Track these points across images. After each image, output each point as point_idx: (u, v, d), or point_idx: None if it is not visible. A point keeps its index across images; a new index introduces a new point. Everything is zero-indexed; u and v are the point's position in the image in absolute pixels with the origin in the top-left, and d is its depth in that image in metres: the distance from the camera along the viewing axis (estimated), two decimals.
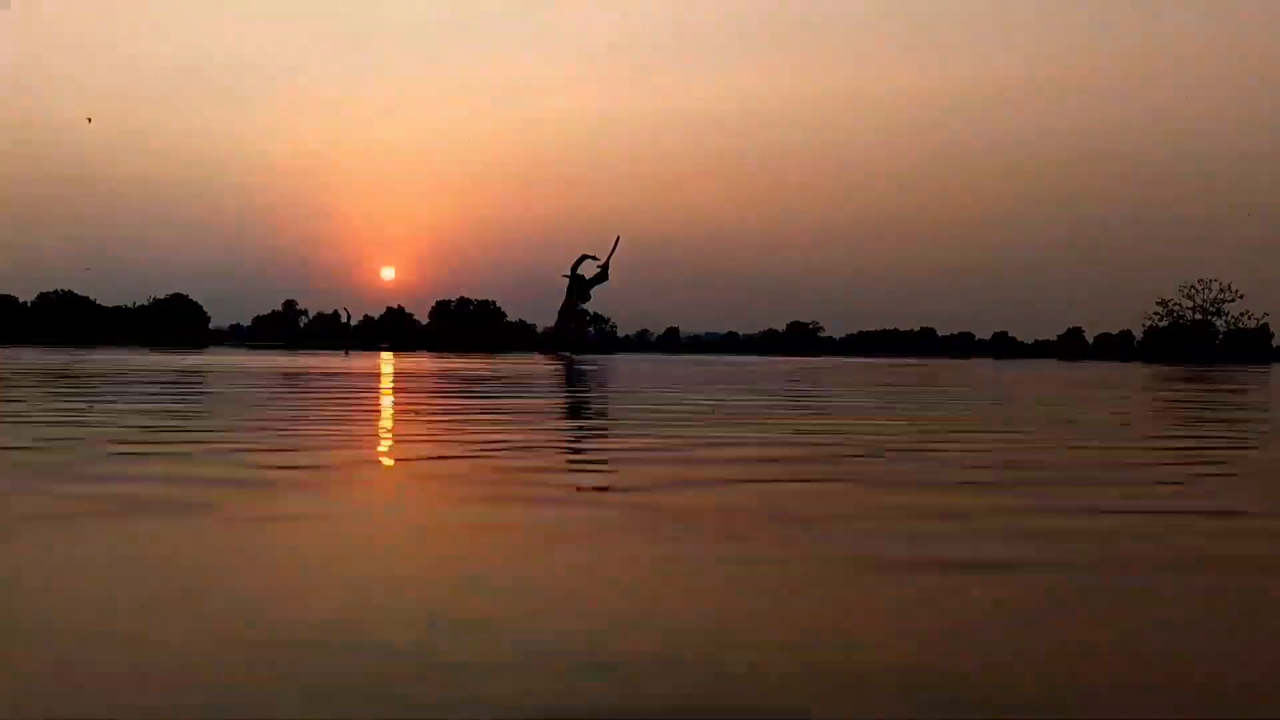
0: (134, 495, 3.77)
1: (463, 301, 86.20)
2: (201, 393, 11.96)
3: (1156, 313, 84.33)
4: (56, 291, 77.44)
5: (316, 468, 4.78)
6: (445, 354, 15.61)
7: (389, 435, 6.54)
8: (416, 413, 9.09)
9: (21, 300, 77.00)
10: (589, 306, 61.86)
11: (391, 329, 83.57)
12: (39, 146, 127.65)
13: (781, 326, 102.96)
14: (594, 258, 54.66)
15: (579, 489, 4.35)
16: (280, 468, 4.70)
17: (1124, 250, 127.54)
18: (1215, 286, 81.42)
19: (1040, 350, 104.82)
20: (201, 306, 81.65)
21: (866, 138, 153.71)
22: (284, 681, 1.88)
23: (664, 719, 1.72)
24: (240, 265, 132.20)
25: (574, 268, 55.51)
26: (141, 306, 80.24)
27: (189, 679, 1.91)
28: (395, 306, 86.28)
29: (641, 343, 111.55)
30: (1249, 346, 79.26)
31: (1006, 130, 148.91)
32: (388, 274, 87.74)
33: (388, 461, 5.20)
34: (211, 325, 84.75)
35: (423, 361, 21.59)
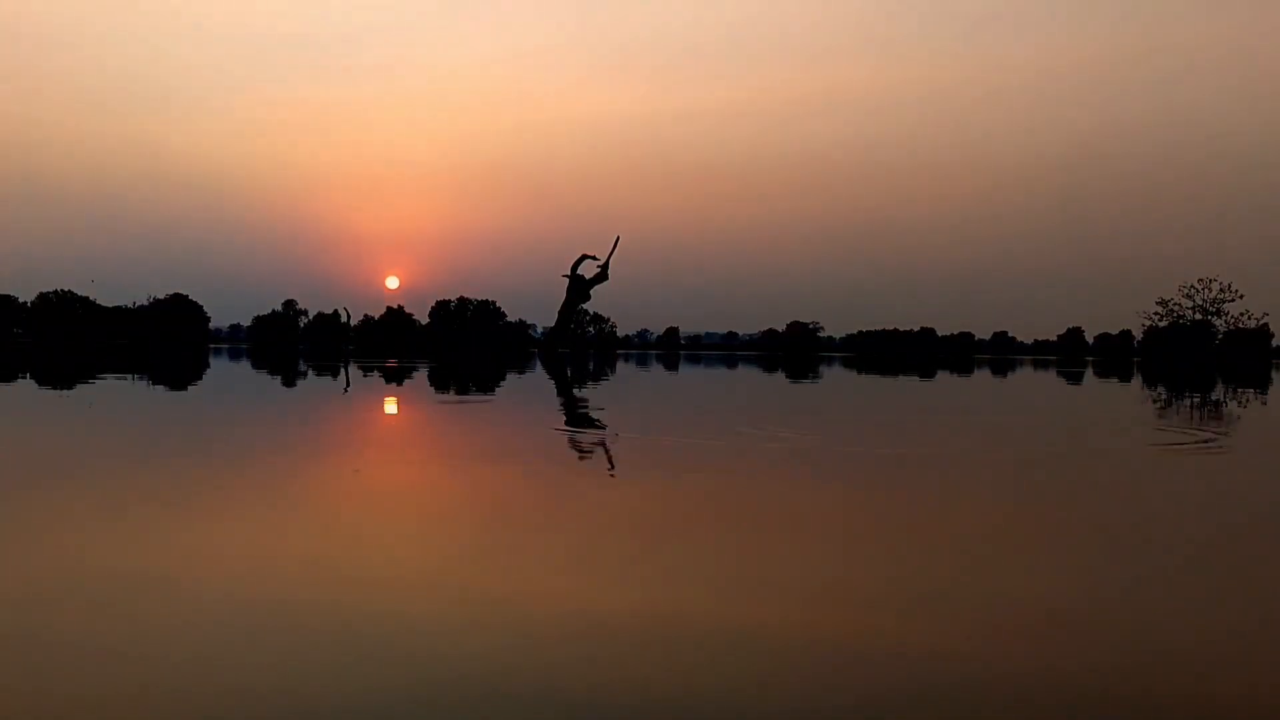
0: None
1: (463, 301, 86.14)
2: None
3: (1156, 313, 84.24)
4: (56, 291, 77.40)
5: None
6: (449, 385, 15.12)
7: None
8: None
9: (21, 300, 76.94)
10: (589, 306, 61.77)
11: (391, 329, 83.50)
12: (38, 148, 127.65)
13: (781, 326, 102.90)
14: (594, 258, 54.52)
15: None
16: None
17: (1124, 250, 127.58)
18: (1215, 286, 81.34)
19: (1040, 350, 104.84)
20: (201, 306, 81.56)
21: (867, 138, 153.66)
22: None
23: None
24: (240, 265, 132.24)
25: (574, 268, 55.38)
26: (141, 306, 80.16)
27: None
28: (395, 306, 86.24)
29: (642, 342, 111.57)
30: (1249, 346, 79.19)
31: (1007, 130, 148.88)
32: (392, 283, 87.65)
33: None
34: (211, 325, 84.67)
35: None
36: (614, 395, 14.86)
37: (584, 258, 55.43)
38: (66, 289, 77.81)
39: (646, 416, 10.16)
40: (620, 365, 35.49)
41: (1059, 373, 33.25)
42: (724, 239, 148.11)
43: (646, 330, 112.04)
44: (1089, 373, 33.74)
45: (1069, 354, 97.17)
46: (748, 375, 25.88)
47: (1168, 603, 2.92)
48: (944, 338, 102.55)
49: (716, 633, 2.52)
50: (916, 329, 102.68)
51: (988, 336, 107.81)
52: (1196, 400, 15.88)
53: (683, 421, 9.65)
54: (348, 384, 16.75)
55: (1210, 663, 2.35)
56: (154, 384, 15.44)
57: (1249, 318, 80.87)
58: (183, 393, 13.61)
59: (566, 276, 56.30)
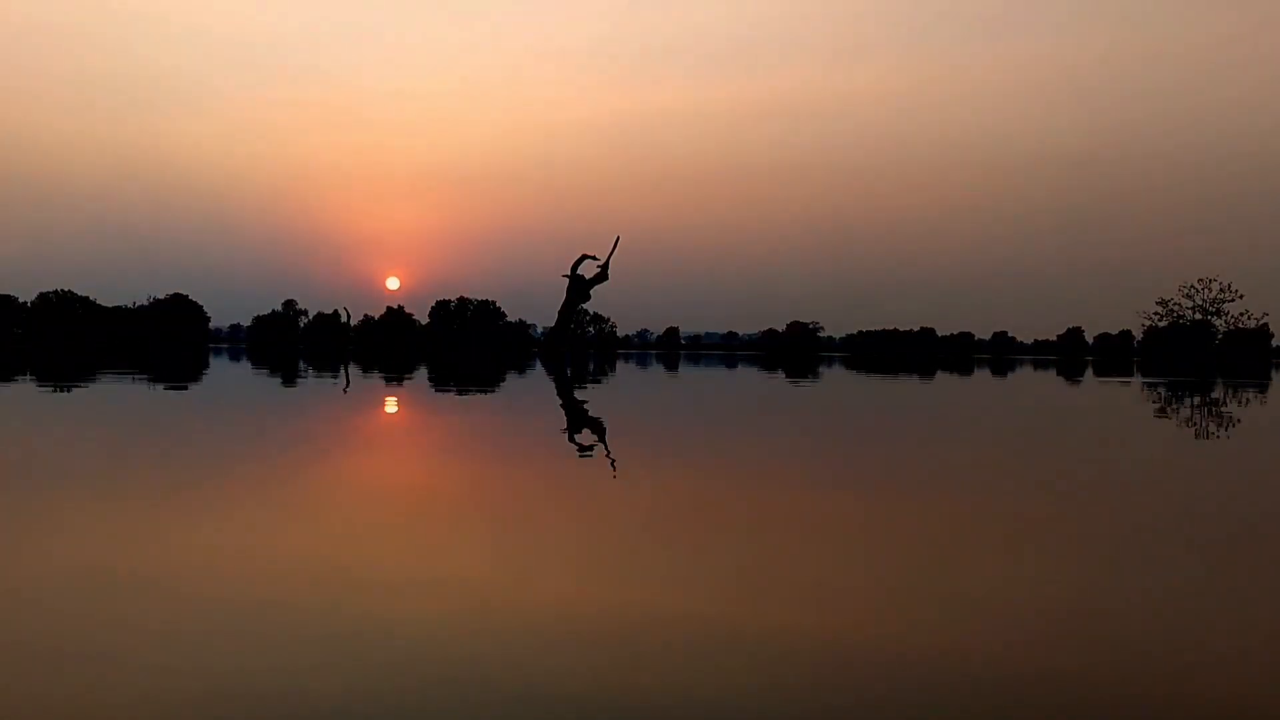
0: None
1: (463, 301, 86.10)
2: None
3: (1156, 313, 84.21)
4: (56, 291, 77.36)
5: None
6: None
7: None
8: None
9: (21, 300, 76.89)
10: (589, 306, 61.74)
11: (391, 329, 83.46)
12: (39, 148, 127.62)
13: (781, 326, 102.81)
14: (594, 258, 54.54)
15: None
16: None
17: (1124, 250, 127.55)
18: (1215, 286, 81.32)
19: (1040, 350, 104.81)
20: (201, 307, 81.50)
21: (868, 138, 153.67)
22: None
23: None
24: (240, 265, 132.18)
25: (574, 268, 55.40)
26: (141, 306, 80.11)
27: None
28: (395, 306, 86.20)
29: (642, 342, 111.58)
30: (1249, 346, 79.15)
31: (1007, 130, 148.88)
32: (393, 283, 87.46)
33: None
34: (211, 325, 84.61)
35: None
36: (607, 400, 14.86)
37: (584, 258, 55.40)
38: (66, 289, 77.78)
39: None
40: (620, 365, 35.48)
41: (1058, 372, 33.24)
42: (724, 239, 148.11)
43: (646, 330, 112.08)
44: (1089, 373, 33.73)
45: (1069, 354, 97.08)
46: (744, 376, 25.87)
47: (1168, 603, 2.92)
48: (944, 338, 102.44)
49: (716, 633, 2.51)
50: (916, 329, 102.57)
51: (988, 336, 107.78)
52: (1197, 400, 15.88)
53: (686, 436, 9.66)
54: (347, 384, 16.77)
55: (1212, 663, 2.35)
56: (154, 384, 15.43)
57: (1249, 318, 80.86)
58: (183, 393, 13.61)
59: (566, 276, 56.28)
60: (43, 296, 77.10)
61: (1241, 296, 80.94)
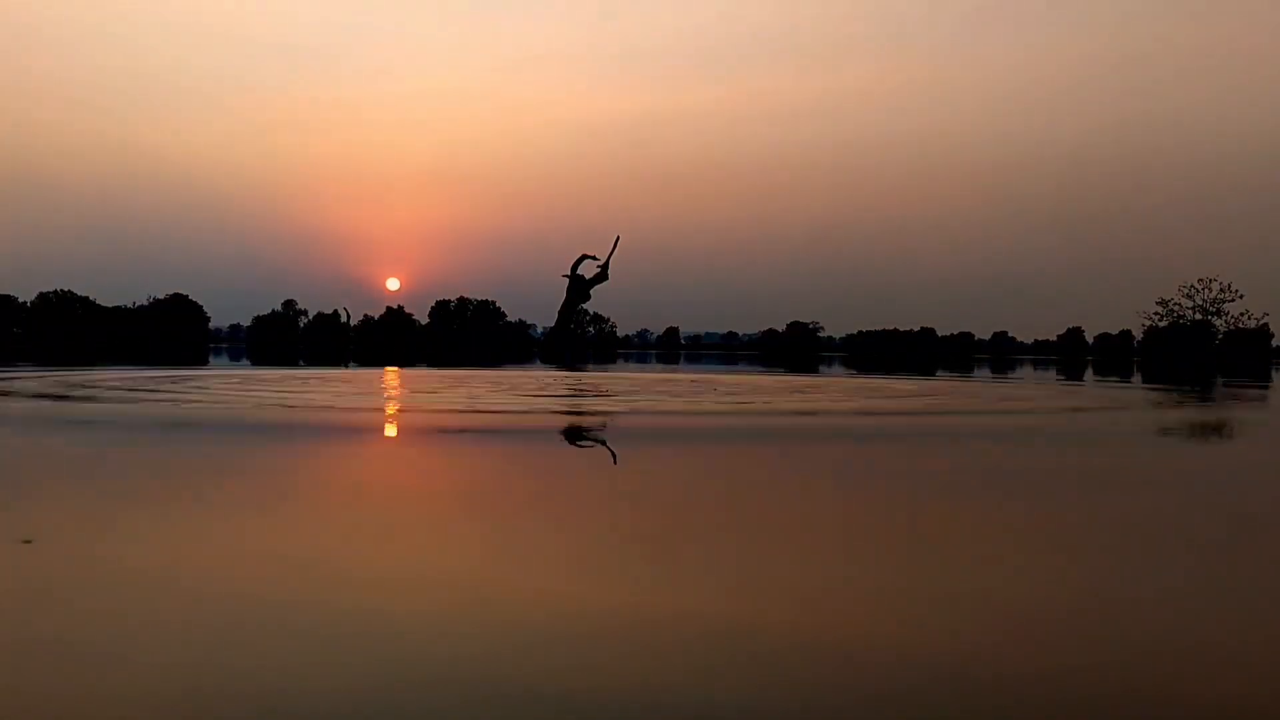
0: None
1: (462, 301, 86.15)
2: None
3: (1156, 313, 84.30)
4: (56, 291, 77.40)
5: None
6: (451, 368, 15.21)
7: None
8: None
9: (21, 300, 76.94)
10: (589, 306, 61.84)
11: (391, 329, 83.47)
12: (39, 148, 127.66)
13: (781, 326, 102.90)
14: (594, 257, 54.49)
15: None
16: None
17: (1124, 250, 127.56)
18: (1215, 286, 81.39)
19: (1040, 350, 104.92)
20: (201, 307, 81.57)
21: (867, 138, 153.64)
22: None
23: None
24: (240, 265, 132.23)
25: (574, 268, 55.44)
26: (141, 306, 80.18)
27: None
28: (395, 306, 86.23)
29: (642, 343, 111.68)
30: (1249, 346, 79.19)
31: (1007, 130, 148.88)
32: (393, 284, 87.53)
33: None
34: (211, 325, 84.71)
35: None
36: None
37: (584, 257, 55.33)
38: (66, 289, 77.84)
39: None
40: (620, 365, 35.50)
41: (1059, 372, 33.26)
42: (724, 239, 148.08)
43: (646, 330, 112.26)
44: (1088, 372, 33.75)
45: (1069, 354, 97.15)
46: (744, 375, 25.87)
47: (1174, 602, 2.91)
48: (944, 338, 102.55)
49: (716, 633, 2.50)
50: (916, 329, 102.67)
51: (988, 336, 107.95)
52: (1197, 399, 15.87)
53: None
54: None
55: (1213, 663, 2.34)
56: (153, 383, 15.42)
57: (1249, 318, 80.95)
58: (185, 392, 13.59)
59: (566, 276, 56.29)
60: (43, 296, 77.15)
61: (1241, 296, 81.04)
